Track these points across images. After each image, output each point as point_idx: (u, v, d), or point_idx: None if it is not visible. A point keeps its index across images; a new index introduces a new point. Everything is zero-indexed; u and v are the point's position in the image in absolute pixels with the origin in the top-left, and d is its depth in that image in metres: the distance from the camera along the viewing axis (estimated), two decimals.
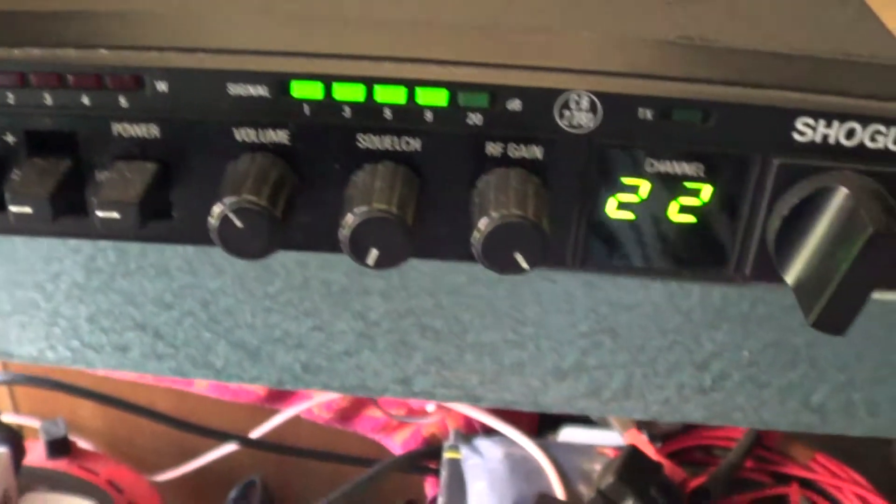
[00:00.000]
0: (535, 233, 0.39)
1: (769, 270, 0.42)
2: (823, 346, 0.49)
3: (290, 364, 0.50)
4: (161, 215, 0.42)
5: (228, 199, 0.39)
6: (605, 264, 0.43)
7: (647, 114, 0.40)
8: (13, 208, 0.40)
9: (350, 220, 0.39)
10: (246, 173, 0.40)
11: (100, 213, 0.40)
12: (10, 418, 1.07)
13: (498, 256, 0.39)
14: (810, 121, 0.40)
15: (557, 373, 0.50)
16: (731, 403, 0.50)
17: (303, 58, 0.40)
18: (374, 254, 0.39)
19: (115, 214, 0.40)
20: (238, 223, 0.39)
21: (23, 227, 0.42)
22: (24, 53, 0.40)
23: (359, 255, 0.39)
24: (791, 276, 0.41)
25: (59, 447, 0.97)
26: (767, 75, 0.41)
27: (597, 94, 0.39)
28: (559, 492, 0.85)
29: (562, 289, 0.47)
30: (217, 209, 0.39)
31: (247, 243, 0.39)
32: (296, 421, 1.08)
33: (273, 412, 1.08)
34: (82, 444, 1.06)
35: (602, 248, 0.43)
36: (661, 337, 0.49)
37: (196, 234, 0.43)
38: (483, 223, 0.39)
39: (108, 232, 0.41)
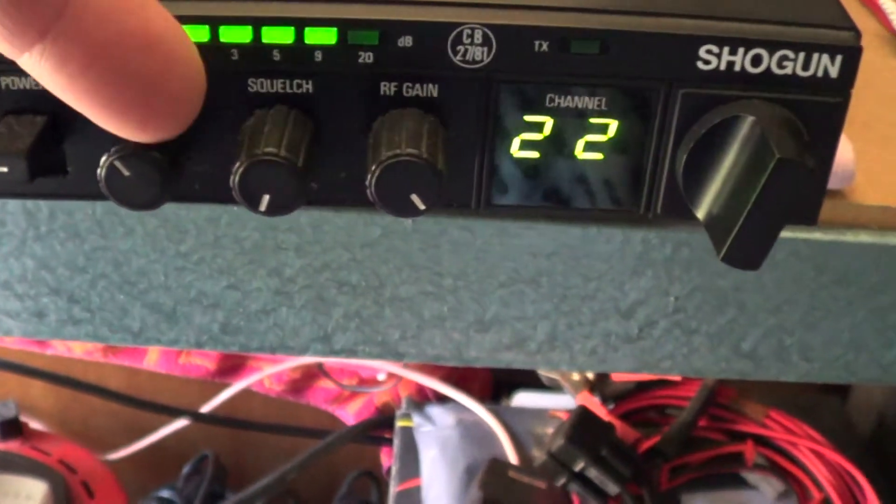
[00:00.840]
0: (429, 171, 0.38)
1: (681, 206, 0.41)
2: (752, 290, 0.48)
3: (208, 325, 0.49)
4: (55, 171, 0.41)
5: (114, 147, 0.37)
6: (511, 207, 0.42)
7: (543, 46, 0.39)
8: None
9: (239, 165, 0.38)
10: None
11: None
12: None
13: (393, 198, 0.38)
14: (714, 48, 0.39)
15: (479, 325, 0.49)
16: (660, 352, 0.49)
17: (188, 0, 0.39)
18: (266, 199, 0.38)
19: (3, 168, 0.39)
20: (125, 171, 0.38)
21: None
22: None
23: (250, 201, 0.38)
24: (701, 210, 0.40)
25: (11, 428, 0.96)
26: (668, 3, 0.39)
27: (490, 27, 0.38)
28: (512, 456, 0.84)
29: (479, 239, 0.46)
30: (104, 158, 0.38)
31: (137, 193, 0.38)
32: (247, 394, 1.07)
33: (224, 386, 1.07)
34: (34, 424, 1.06)
35: (508, 189, 0.42)
36: (584, 285, 0.48)
37: (92, 189, 0.42)
38: (375, 164, 0.38)
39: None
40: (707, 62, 0.39)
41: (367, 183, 0.38)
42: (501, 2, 0.39)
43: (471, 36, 0.38)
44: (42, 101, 0.40)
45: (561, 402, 0.92)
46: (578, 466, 0.79)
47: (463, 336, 0.49)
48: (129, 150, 0.37)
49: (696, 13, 0.39)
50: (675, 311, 0.48)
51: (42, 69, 0.33)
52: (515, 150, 0.41)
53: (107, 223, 0.47)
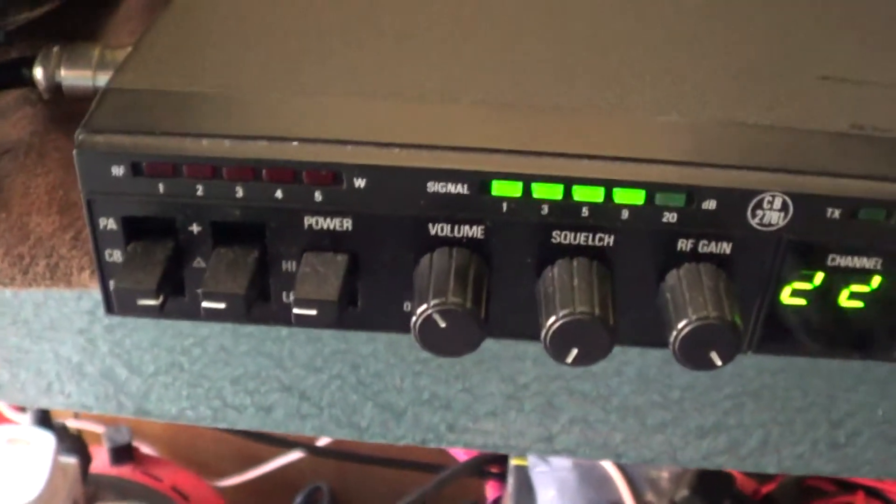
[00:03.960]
0: (731, 333, 0.40)
1: None
2: None
3: (436, 424, 0.51)
4: (348, 304, 0.43)
5: (434, 300, 0.39)
6: (777, 349, 0.44)
7: (835, 213, 0.40)
8: (207, 304, 0.41)
9: (553, 321, 0.39)
10: (447, 271, 0.40)
11: (297, 311, 0.40)
12: (73, 424, 1.07)
13: (694, 354, 0.40)
14: None
15: (699, 431, 0.51)
16: (861, 458, 0.52)
17: (502, 155, 0.40)
18: (574, 352, 0.40)
19: (312, 312, 0.40)
20: (441, 323, 0.39)
21: (211, 318, 0.42)
22: (214, 145, 0.40)
23: (559, 353, 0.40)
24: None
25: (123, 454, 0.97)
26: None
27: (789, 194, 0.40)
28: (629, 501, 0.87)
29: None
30: (422, 308, 0.39)
31: (449, 342, 0.40)
32: None
33: None
34: (145, 449, 1.06)
35: (774, 334, 0.44)
36: (802, 398, 0.50)
37: (380, 322, 0.43)
38: (682, 324, 0.40)
39: (302, 325, 0.41)
40: None
41: (669, 339, 0.40)
42: (798, 167, 0.41)
43: (771, 202, 0.40)
44: (342, 239, 0.41)
45: None
46: None
47: (681, 441, 0.51)
48: (450, 306, 0.39)
49: None
50: (881, 422, 0.51)
51: None
52: (786, 297, 0.43)
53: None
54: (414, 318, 0.40)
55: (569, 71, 0.46)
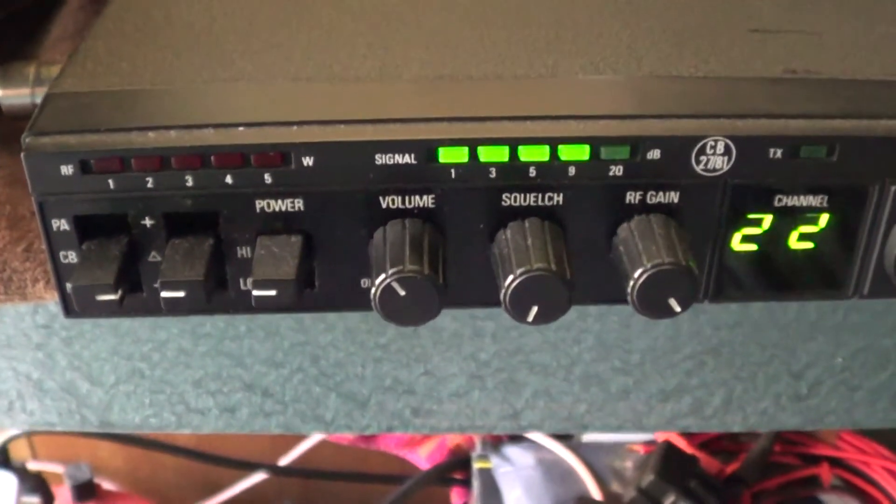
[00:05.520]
0: (687, 277, 0.40)
1: (888, 288, 0.44)
2: None
3: (401, 410, 0.51)
4: (305, 285, 0.43)
5: (392, 269, 0.39)
6: (731, 296, 0.45)
7: (777, 153, 0.41)
8: (166, 294, 0.41)
9: (511, 281, 0.40)
10: (402, 241, 0.40)
11: (256, 292, 0.40)
12: (33, 465, 1.06)
13: (652, 302, 0.41)
14: None
15: (662, 395, 0.51)
16: (824, 408, 0.53)
17: (446, 122, 0.41)
18: (534, 311, 0.40)
19: (272, 292, 0.41)
20: (401, 291, 0.40)
21: (171, 309, 0.42)
22: (160, 136, 0.40)
23: (520, 313, 0.40)
24: None
25: (85, 491, 0.96)
26: (879, 105, 0.42)
27: (731, 138, 0.41)
28: (595, 492, 0.87)
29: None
30: (381, 278, 0.39)
31: (409, 310, 0.40)
32: (320, 444, 1.08)
33: (297, 438, 1.08)
34: (106, 485, 1.05)
35: (728, 281, 0.45)
36: (760, 352, 0.51)
37: (340, 301, 0.44)
38: (637, 272, 0.40)
39: (262, 308, 0.41)
40: None
41: (627, 288, 0.40)
42: (738, 111, 0.41)
43: (714, 147, 0.41)
44: (294, 220, 0.42)
45: (634, 434, 0.95)
46: (669, 501, 0.82)
47: (645, 406, 0.52)
48: (407, 273, 0.39)
49: None
50: (841, 370, 0.52)
51: None
52: (736, 244, 0.44)
53: (308, 320, 0.49)
54: (373, 290, 0.40)
55: (504, 43, 0.46)
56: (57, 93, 0.43)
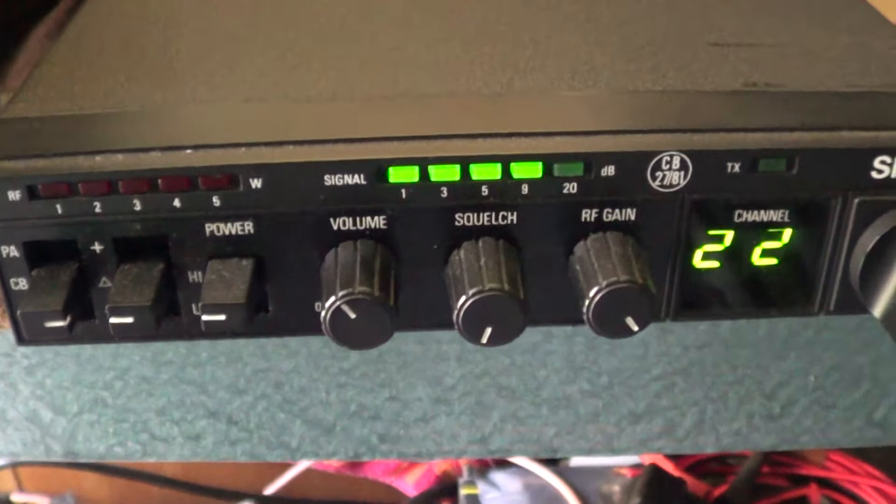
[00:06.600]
0: (643, 296, 0.39)
1: (854, 304, 0.43)
2: (886, 363, 0.50)
3: (367, 436, 0.50)
4: (258, 309, 0.42)
5: (342, 291, 0.39)
6: (695, 314, 0.44)
7: (735, 167, 0.41)
8: (114, 320, 0.40)
9: (463, 301, 0.39)
10: (352, 263, 0.40)
11: (205, 317, 0.40)
12: (18, 498, 1.05)
13: (609, 322, 0.40)
14: (887, 158, 0.41)
15: (632, 417, 0.50)
16: (799, 428, 0.52)
17: (396, 141, 0.40)
18: (488, 332, 0.40)
19: (221, 317, 0.40)
20: (351, 314, 0.39)
21: (121, 335, 0.41)
22: (108, 160, 0.40)
23: (473, 334, 0.40)
24: (878, 309, 0.42)
25: None
26: (840, 117, 0.42)
27: (687, 152, 0.40)
28: None
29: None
30: (330, 301, 0.39)
31: (361, 333, 0.40)
32: (307, 473, 1.07)
33: (278, 466, 1.07)
34: None
35: (691, 299, 0.44)
36: (731, 372, 0.50)
37: (294, 326, 0.43)
38: (593, 291, 0.39)
39: (212, 332, 0.41)
40: (880, 171, 0.41)
41: (582, 308, 0.40)
42: (694, 126, 0.41)
43: (669, 162, 0.40)
44: (245, 243, 0.41)
45: (622, 459, 0.93)
46: None
47: (616, 428, 0.51)
48: (358, 295, 0.39)
49: (869, 125, 0.41)
50: (814, 389, 0.51)
51: None
52: (698, 261, 0.43)
53: (269, 346, 0.48)
54: (323, 313, 0.39)
55: (459, 60, 0.46)
56: (6, 118, 0.43)
